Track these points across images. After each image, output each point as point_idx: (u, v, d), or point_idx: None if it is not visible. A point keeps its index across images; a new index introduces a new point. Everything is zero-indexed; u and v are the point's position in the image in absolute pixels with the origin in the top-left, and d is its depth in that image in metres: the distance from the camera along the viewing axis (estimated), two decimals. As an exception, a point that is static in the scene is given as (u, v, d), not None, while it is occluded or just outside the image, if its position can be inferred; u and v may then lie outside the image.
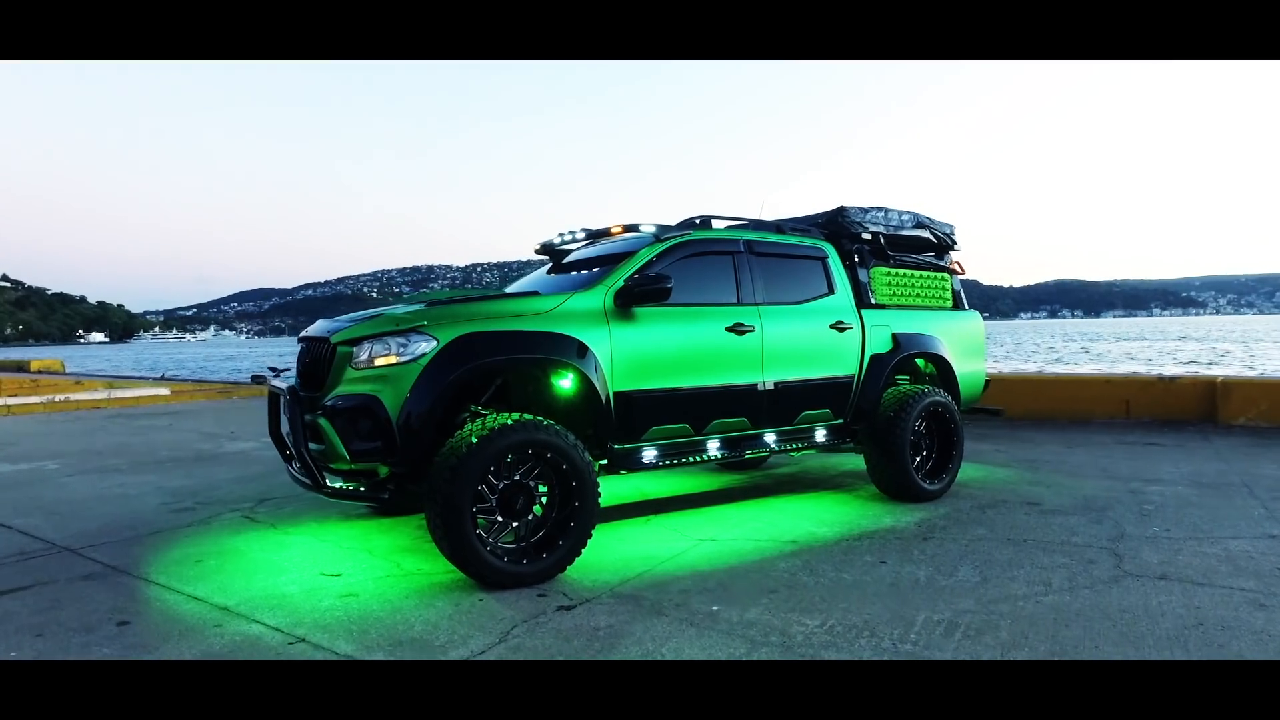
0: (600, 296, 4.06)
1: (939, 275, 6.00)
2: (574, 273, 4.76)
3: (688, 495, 5.49)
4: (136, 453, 7.89)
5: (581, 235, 4.91)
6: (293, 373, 4.22)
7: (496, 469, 3.48)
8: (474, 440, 3.39)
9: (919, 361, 5.67)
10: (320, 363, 3.79)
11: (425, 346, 3.56)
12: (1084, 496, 5.21)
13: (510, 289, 4.98)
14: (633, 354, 4.05)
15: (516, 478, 3.57)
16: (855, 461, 6.55)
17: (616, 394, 4.00)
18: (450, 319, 3.67)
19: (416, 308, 3.79)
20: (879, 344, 5.25)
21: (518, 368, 3.91)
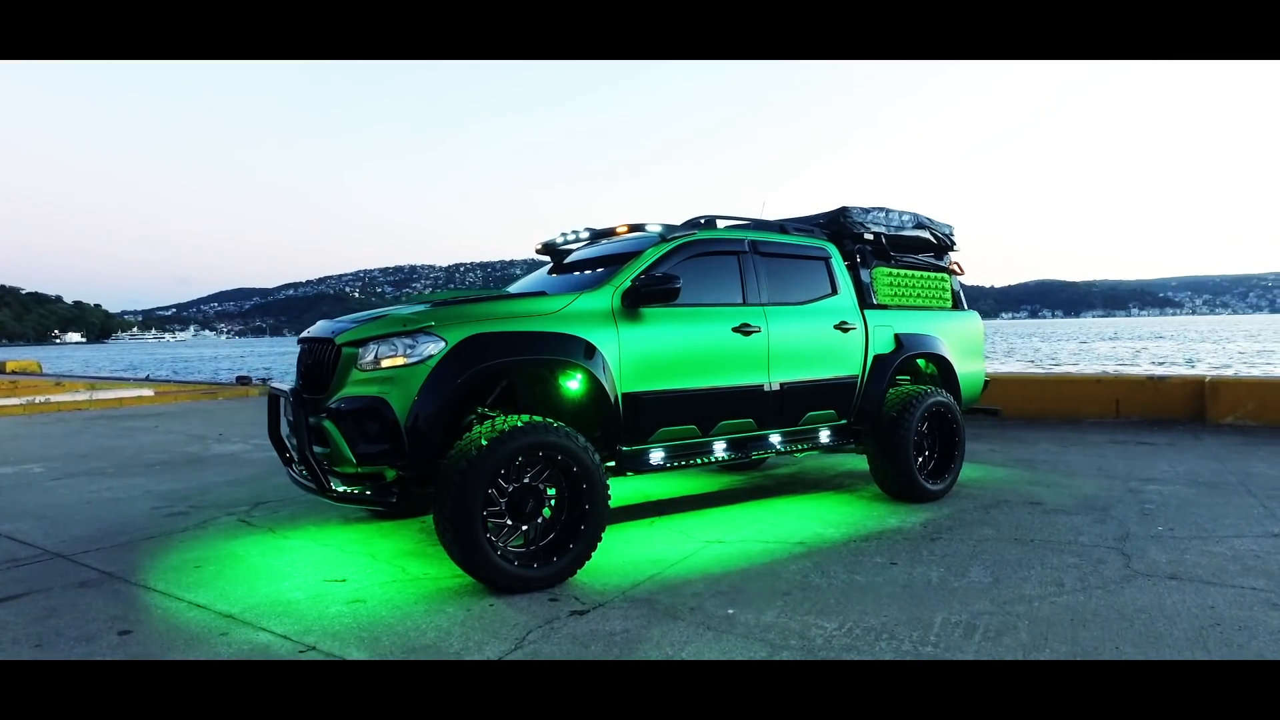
0: (608, 296, 4.01)
1: (939, 276, 6.01)
2: (576, 273, 4.71)
3: (690, 497, 5.46)
4: (123, 455, 7.74)
5: (585, 235, 4.86)
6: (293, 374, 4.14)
7: (506, 472, 3.42)
8: (484, 442, 3.33)
9: (920, 362, 5.68)
10: (324, 364, 3.72)
11: (433, 348, 3.50)
12: (1084, 496, 5.23)
13: (513, 289, 4.92)
14: (641, 354, 4.01)
15: (525, 480, 3.52)
16: (853, 461, 6.56)
17: (625, 395, 3.95)
18: (458, 319, 3.61)
19: (422, 308, 3.72)
20: (882, 344, 5.24)
21: (526, 368, 3.86)
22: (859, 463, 6.48)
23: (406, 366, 3.47)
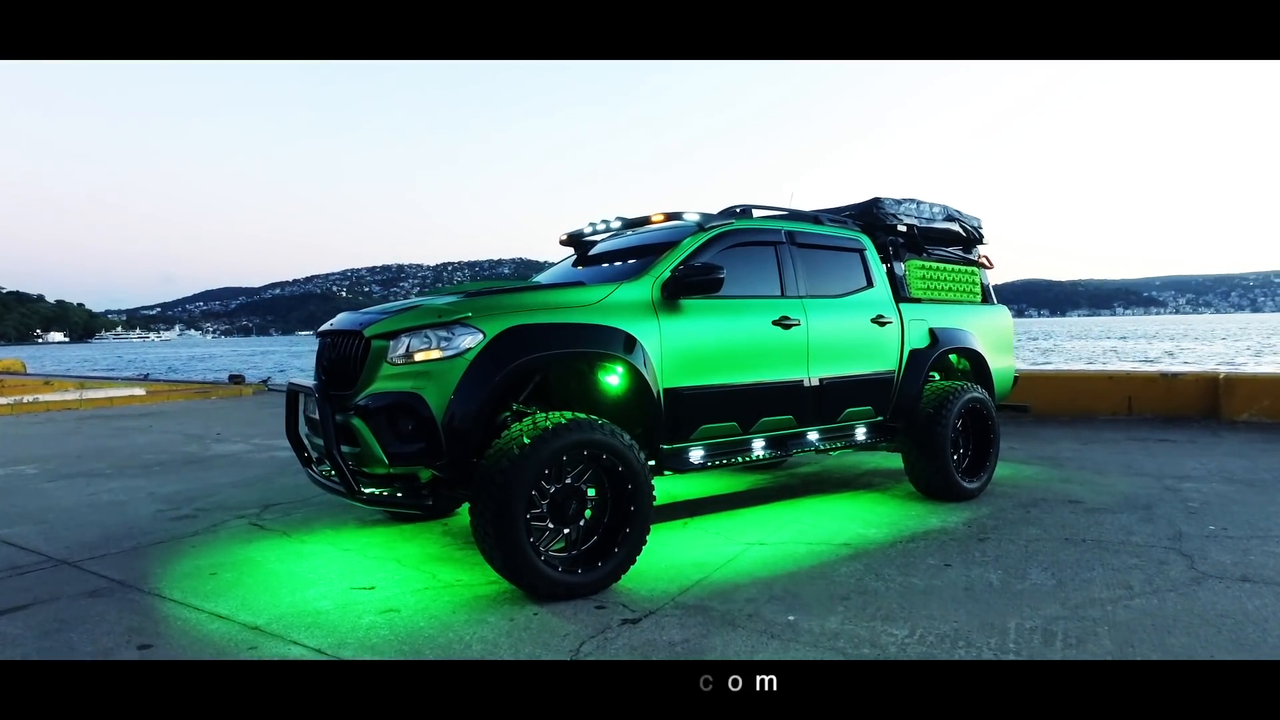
0: (648, 287, 3.82)
1: (969, 269, 5.86)
2: (607, 264, 4.52)
3: (720, 496, 5.28)
4: (119, 456, 7.47)
5: (616, 224, 4.66)
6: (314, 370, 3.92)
7: (549, 472, 3.23)
8: (526, 441, 3.14)
9: (952, 357, 5.53)
10: (349, 359, 3.50)
11: (470, 340, 3.30)
12: (1122, 494, 5.09)
13: (541, 279, 4.72)
14: (683, 348, 3.82)
15: (568, 481, 3.32)
16: (878, 460, 6.40)
17: (666, 390, 3.76)
18: (497, 310, 3.41)
19: (455, 298, 3.52)
20: (917, 339, 5.08)
21: (565, 362, 3.66)
22: (884, 460, 6.33)
23: (442, 360, 3.27)
